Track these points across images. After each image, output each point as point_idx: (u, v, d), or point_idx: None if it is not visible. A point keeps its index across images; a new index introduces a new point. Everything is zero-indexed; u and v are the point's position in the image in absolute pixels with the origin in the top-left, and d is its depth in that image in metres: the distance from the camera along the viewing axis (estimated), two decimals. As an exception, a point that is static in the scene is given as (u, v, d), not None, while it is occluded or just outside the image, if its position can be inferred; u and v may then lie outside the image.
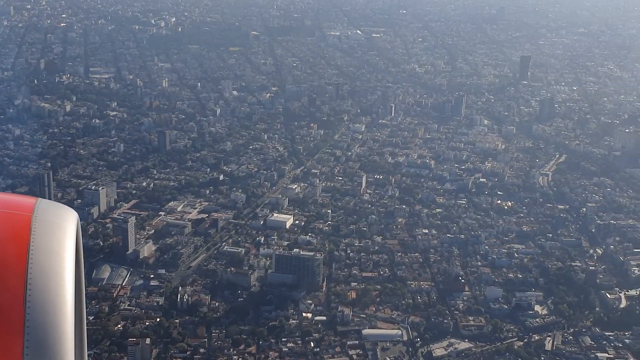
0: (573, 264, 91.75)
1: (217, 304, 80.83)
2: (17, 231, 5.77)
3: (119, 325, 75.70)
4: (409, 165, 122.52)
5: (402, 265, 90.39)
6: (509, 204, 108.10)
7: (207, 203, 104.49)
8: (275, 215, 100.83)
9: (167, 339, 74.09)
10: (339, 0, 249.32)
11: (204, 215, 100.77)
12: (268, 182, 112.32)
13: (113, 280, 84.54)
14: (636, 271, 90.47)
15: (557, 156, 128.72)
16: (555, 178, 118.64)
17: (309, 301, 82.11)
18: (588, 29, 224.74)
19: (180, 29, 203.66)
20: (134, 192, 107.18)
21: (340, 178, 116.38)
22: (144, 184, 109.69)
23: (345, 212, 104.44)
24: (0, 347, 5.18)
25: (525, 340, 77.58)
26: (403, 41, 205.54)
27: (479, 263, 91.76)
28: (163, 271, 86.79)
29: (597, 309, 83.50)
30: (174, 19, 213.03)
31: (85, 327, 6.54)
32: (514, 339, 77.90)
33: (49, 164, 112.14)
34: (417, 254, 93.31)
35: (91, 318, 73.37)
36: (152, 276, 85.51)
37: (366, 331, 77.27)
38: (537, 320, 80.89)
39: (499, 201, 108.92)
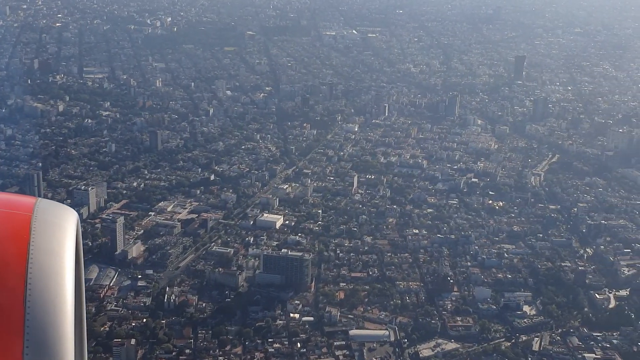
0: (563, 264, 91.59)
1: (204, 304, 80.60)
2: (17, 231, 5.79)
3: (105, 326, 75.52)
4: (401, 165, 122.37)
5: (392, 266, 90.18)
6: (501, 204, 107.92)
7: (197, 203, 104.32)
8: (265, 215, 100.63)
9: (153, 339, 73.94)
10: (336, 0, 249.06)
11: (194, 216, 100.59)
12: (259, 182, 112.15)
13: (101, 281, 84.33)
14: (626, 271, 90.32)
15: (550, 156, 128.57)
16: (547, 178, 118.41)
17: (297, 302, 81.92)
18: (584, 29, 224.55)
19: (175, 29, 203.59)
20: (125, 192, 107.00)
21: (332, 178, 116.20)
22: (135, 184, 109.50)
23: (336, 212, 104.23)
24: (0, 347, 5.17)
25: (513, 340, 77.37)
26: (399, 41, 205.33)
27: (469, 263, 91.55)
28: (151, 271, 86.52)
29: (586, 309, 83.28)
30: (169, 18, 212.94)
31: (85, 327, 6.53)
32: (501, 340, 77.66)
33: (40, 164, 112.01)
34: (406, 254, 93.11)
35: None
36: (139, 277, 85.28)
37: (353, 332, 77.06)
38: (525, 320, 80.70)
39: (491, 201, 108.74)
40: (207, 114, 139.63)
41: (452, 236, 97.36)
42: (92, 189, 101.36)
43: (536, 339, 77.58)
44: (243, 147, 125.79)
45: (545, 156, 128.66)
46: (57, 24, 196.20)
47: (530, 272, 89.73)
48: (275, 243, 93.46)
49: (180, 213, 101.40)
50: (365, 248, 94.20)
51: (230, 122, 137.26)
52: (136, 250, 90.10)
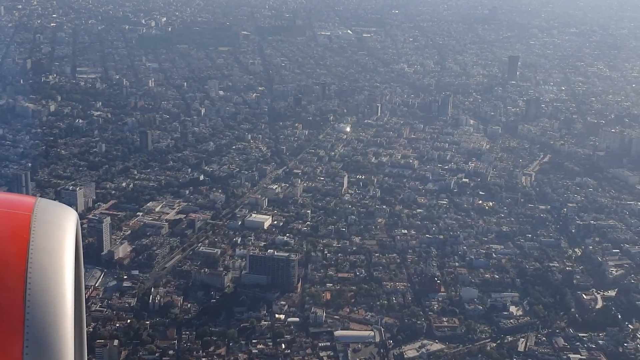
0: (551, 264, 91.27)
1: (189, 305, 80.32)
2: (17, 230, 5.77)
3: (89, 327, 75.23)
4: (392, 165, 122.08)
5: (379, 266, 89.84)
6: (490, 204, 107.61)
7: (185, 203, 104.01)
8: (253, 215, 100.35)
9: (136, 340, 73.62)
10: (332, 0, 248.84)
11: (182, 216, 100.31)
12: (249, 183, 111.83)
13: (86, 281, 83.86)
14: (614, 272, 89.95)
15: (542, 156, 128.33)
16: (538, 178, 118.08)
17: (283, 302, 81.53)
18: (580, 29, 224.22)
19: (170, 29, 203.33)
20: (113, 192, 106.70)
21: (322, 178, 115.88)
22: (124, 184, 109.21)
23: (325, 212, 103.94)
24: (0, 347, 5.14)
25: (499, 341, 77.05)
26: (394, 41, 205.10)
27: (457, 264, 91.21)
28: (137, 272, 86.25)
29: (573, 309, 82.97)
30: (164, 18, 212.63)
31: (85, 327, 6.48)
32: (487, 340, 77.31)
33: (30, 164, 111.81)
34: (394, 255, 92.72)
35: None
36: (125, 277, 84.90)
37: (338, 332, 76.71)
38: (511, 321, 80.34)
39: (481, 201, 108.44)
40: (198, 114, 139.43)
41: (441, 236, 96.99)
42: (80, 189, 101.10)
43: (522, 339, 77.26)
44: (234, 147, 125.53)
45: (537, 156, 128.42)
46: (52, 24, 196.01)
47: (517, 273, 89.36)
48: (262, 243, 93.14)
49: (168, 213, 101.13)
50: (354, 248, 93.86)
51: (222, 122, 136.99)
52: (123, 250, 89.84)
